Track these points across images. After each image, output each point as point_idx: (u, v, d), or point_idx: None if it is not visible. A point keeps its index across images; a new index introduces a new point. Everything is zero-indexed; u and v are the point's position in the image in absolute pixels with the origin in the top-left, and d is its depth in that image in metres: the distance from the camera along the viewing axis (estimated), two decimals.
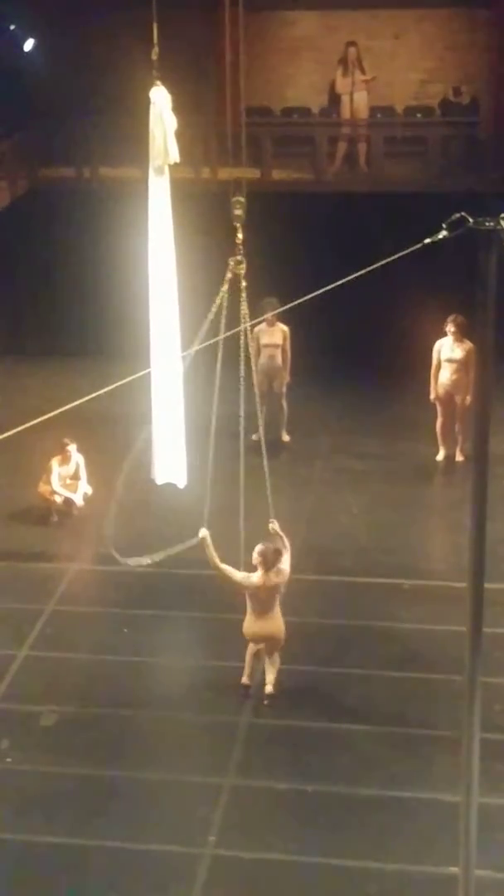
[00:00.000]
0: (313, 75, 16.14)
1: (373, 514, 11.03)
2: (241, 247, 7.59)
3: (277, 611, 8.05)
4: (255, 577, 7.94)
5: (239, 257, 7.58)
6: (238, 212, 7.61)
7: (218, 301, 7.47)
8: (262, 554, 7.92)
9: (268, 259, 12.90)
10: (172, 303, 8.56)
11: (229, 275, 7.52)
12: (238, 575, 7.96)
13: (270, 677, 8.17)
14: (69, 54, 15.25)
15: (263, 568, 7.92)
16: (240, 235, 7.59)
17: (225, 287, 7.48)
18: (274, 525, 8.08)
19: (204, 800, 7.36)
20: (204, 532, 7.93)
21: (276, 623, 8.03)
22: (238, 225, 7.60)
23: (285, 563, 8.00)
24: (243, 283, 7.54)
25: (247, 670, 8.22)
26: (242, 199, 7.63)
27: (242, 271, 7.55)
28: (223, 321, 7.43)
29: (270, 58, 16.02)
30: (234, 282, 7.55)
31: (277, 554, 7.96)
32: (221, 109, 15.62)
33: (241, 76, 8.79)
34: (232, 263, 7.55)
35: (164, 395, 8.65)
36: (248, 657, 8.22)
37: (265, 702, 8.14)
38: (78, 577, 10.01)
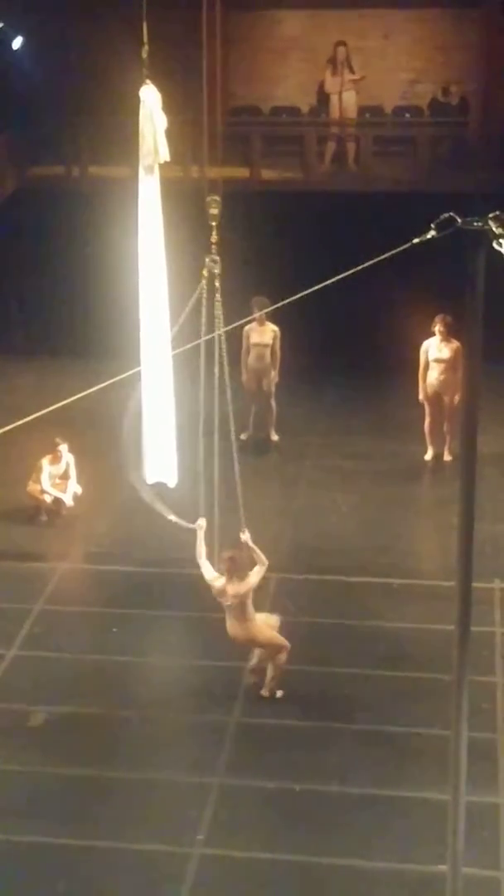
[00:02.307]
0: (302, 75, 16.14)
1: (361, 514, 11.04)
2: (216, 246, 7.54)
3: (250, 616, 7.89)
4: (219, 582, 7.88)
5: (215, 256, 7.51)
6: (213, 210, 7.57)
7: (191, 302, 7.41)
8: (231, 560, 7.80)
9: (256, 258, 12.93)
10: (162, 301, 8.56)
11: (206, 273, 7.44)
12: (208, 574, 7.90)
13: (266, 680, 8.17)
14: (58, 53, 15.22)
15: (227, 574, 7.83)
16: (215, 235, 7.54)
17: (202, 285, 7.41)
18: (245, 537, 7.85)
19: (193, 799, 7.36)
20: (202, 522, 7.88)
21: (248, 628, 7.90)
22: (213, 224, 7.55)
23: (254, 576, 7.82)
24: (217, 284, 7.47)
25: (251, 663, 8.24)
26: (217, 198, 7.60)
27: (217, 270, 7.47)
28: (203, 320, 7.39)
29: (259, 57, 16.02)
30: (210, 281, 7.48)
31: (246, 563, 7.79)
32: (210, 108, 15.63)
33: (219, 74, 8.76)
34: (208, 261, 7.48)
35: (154, 394, 8.65)
36: (254, 653, 8.23)
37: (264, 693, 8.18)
38: (67, 576, 10.00)
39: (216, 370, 7.62)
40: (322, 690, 8.41)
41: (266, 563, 7.89)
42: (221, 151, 7.79)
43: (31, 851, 7.00)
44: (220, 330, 7.42)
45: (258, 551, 7.87)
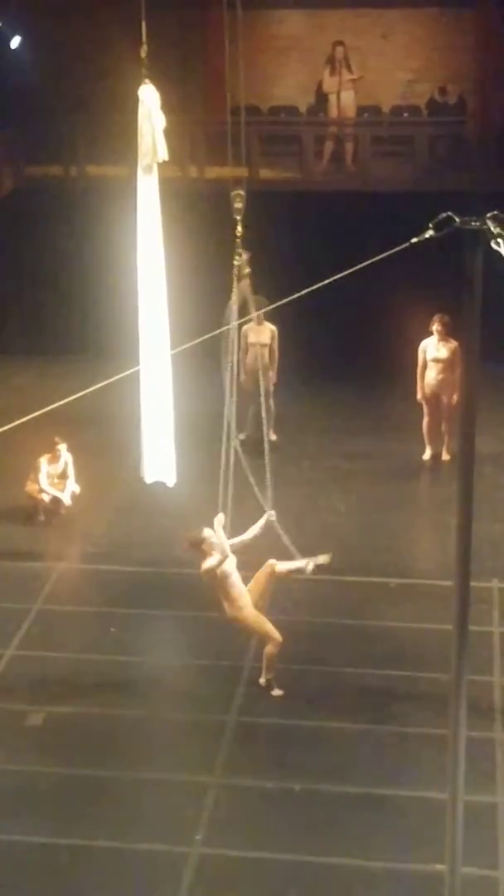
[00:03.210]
0: (300, 74, 16.16)
1: (359, 513, 11.05)
2: (241, 240, 7.68)
3: (233, 598, 7.93)
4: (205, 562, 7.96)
5: (240, 250, 7.68)
6: (238, 205, 7.70)
7: (234, 297, 7.60)
8: (186, 541, 7.96)
9: (254, 257, 12.92)
10: (161, 301, 8.56)
11: (236, 270, 7.63)
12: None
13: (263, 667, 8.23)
14: (56, 52, 15.22)
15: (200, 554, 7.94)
16: (239, 229, 7.67)
17: (235, 283, 7.63)
18: (271, 518, 8.08)
19: (191, 798, 7.36)
20: (271, 514, 8.01)
21: (233, 611, 7.97)
22: (238, 218, 7.68)
23: (210, 560, 7.82)
24: (248, 278, 7.64)
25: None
26: (242, 193, 7.72)
27: (241, 262, 7.64)
28: (234, 317, 7.53)
29: (258, 56, 16.02)
30: (240, 275, 7.65)
31: (202, 544, 7.84)
32: (209, 108, 15.66)
33: (228, 74, 8.81)
34: (237, 258, 7.68)
35: (152, 393, 8.65)
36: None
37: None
38: (64, 576, 9.99)
39: (233, 361, 7.78)
40: (320, 690, 8.41)
41: (274, 562, 8.06)
42: (233, 149, 7.82)
43: (29, 851, 6.99)
44: (250, 316, 7.67)
45: (285, 538, 8.08)
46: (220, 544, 7.80)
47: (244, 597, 7.98)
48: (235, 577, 7.97)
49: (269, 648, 8.16)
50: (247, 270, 7.85)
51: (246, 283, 7.70)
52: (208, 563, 7.83)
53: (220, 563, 7.81)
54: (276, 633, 8.09)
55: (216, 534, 7.83)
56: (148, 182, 8.33)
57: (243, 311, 7.95)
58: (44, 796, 7.44)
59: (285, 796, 7.43)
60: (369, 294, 11.97)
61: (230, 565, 7.95)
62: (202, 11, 15.48)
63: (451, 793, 5.18)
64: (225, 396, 7.94)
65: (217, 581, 7.90)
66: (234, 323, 7.68)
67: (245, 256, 7.91)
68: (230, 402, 7.88)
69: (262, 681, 8.24)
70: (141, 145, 8.22)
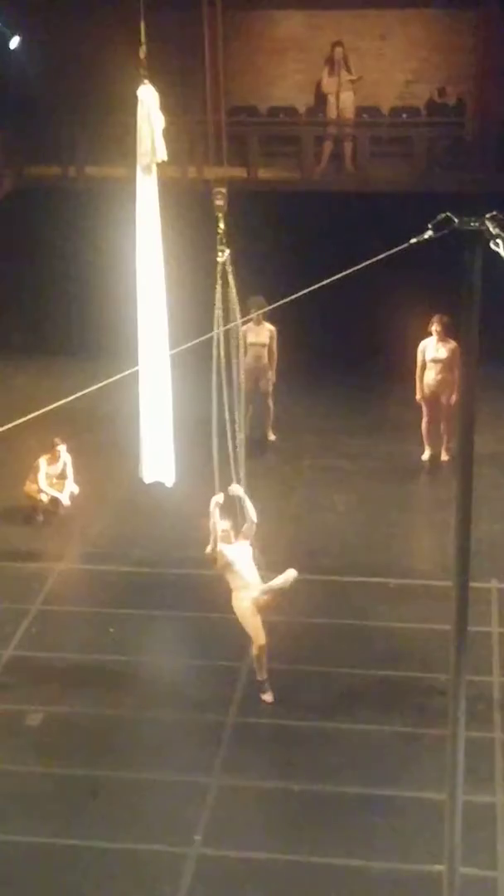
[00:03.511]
0: (299, 75, 16.15)
1: (358, 513, 11.05)
2: (223, 237, 7.61)
3: (233, 587, 8.01)
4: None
5: (222, 247, 7.59)
6: (219, 202, 7.63)
7: (217, 299, 7.51)
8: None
9: (253, 258, 12.89)
10: (160, 301, 8.55)
11: (221, 268, 7.56)
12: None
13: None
14: (55, 52, 15.21)
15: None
16: (221, 226, 7.60)
17: (219, 285, 7.53)
18: (237, 489, 8.02)
19: (190, 799, 7.36)
20: (219, 499, 7.96)
21: (231, 596, 8.05)
22: (220, 215, 7.62)
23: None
24: (230, 276, 7.56)
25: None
26: (223, 190, 7.65)
27: (224, 260, 7.56)
28: (217, 314, 7.47)
29: (256, 57, 16.03)
30: (223, 272, 7.58)
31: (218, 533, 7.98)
32: (209, 108, 15.65)
33: (223, 74, 8.82)
34: (219, 255, 7.60)
35: (151, 393, 8.65)
36: None
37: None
38: (63, 576, 9.99)
39: (237, 361, 7.74)
40: (319, 690, 8.41)
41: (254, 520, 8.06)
42: (225, 151, 7.85)
43: (28, 851, 7.00)
44: (236, 321, 7.55)
45: (249, 505, 8.01)
46: (218, 530, 7.90)
47: (244, 589, 7.97)
48: (239, 567, 7.98)
49: (252, 650, 8.15)
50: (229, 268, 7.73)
51: (232, 290, 7.61)
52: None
53: (213, 548, 7.90)
54: (258, 636, 8.05)
55: (212, 514, 7.91)
56: (147, 182, 8.33)
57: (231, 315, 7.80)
58: (43, 796, 7.44)
59: (284, 796, 7.43)
60: (368, 294, 11.96)
61: (234, 553, 7.96)
62: (201, 12, 15.49)
63: (451, 793, 5.19)
64: (213, 397, 7.86)
65: (222, 567, 7.94)
66: (219, 330, 7.56)
67: (227, 254, 7.78)
68: (219, 402, 7.82)
69: (259, 678, 8.24)
70: (140, 146, 8.22)
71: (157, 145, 8.18)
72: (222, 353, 7.66)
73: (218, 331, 7.46)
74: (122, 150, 11.54)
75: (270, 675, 8.22)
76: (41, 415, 5.62)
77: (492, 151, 15.01)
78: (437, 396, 11.67)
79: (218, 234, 7.62)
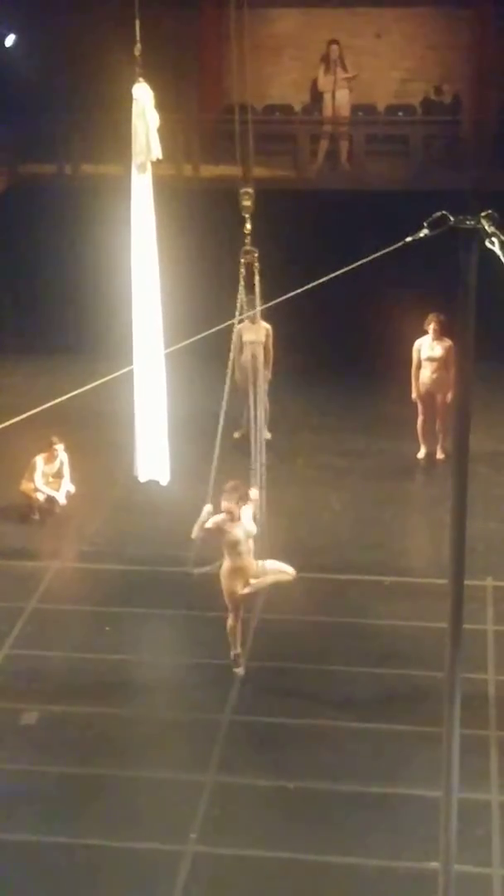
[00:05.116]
0: (295, 73, 16.16)
1: (354, 512, 11.06)
2: (249, 237, 7.74)
3: (230, 558, 8.09)
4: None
5: (248, 247, 7.72)
6: (246, 202, 7.74)
7: (240, 296, 7.65)
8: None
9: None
10: (155, 299, 8.56)
11: (244, 266, 7.67)
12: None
13: None
14: (51, 51, 15.20)
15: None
16: (248, 226, 7.70)
17: (242, 290, 7.70)
18: (254, 494, 8.10)
19: (186, 797, 7.36)
20: (209, 508, 8.01)
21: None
22: (247, 216, 7.71)
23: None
24: (257, 276, 7.67)
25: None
26: (250, 190, 7.76)
27: (254, 261, 7.70)
28: (238, 313, 7.57)
29: (252, 55, 15.98)
30: (248, 272, 7.70)
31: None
32: (203, 106, 15.65)
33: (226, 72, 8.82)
34: (244, 254, 7.72)
35: (146, 392, 8.65)
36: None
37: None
38: (59, 574, 9.99)
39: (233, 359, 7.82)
40: (314, 688, 8.42)
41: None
42: (240, 150, 7.92)
43: (24, 849, 6.99)
44: (250, 312, 7.62)
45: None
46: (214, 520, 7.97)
47: (240, 571, 8.03)
48: (243, 549, 8.02)
49: (228, 620, 8.24)
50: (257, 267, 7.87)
51: (257, 291, 7.75)
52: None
53: (198, 531, 7.96)
54: (234, 610, 8.17)
55: (199, 523, 7.97)
56: (142, 180, 8.33)
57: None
58: (38, 795, 7.43)
59: (280, 794, 7.44)
60: (364, 293, 11.97)
61: (240, 532, 8.00)
62: (196, 10, 15.48)
63: (445, 790, 5.19)
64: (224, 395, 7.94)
65: (225, 544, 8.03)
66: (239, 325, 7.71)
67: (255, 254, 7.93)
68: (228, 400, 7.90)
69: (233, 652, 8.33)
70: (135, 144, 8.22)
71: (152, 143, 8.18)
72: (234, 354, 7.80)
73: (238, 326, 7.56)
74: (117, 148, 11.53)
75: (267, 670, 8.23)
76: (36, 413, 5.62)
77: (487, 149, 15.02)
78: (432, 395, 11.68)
79: (244, 234, 7.74)
